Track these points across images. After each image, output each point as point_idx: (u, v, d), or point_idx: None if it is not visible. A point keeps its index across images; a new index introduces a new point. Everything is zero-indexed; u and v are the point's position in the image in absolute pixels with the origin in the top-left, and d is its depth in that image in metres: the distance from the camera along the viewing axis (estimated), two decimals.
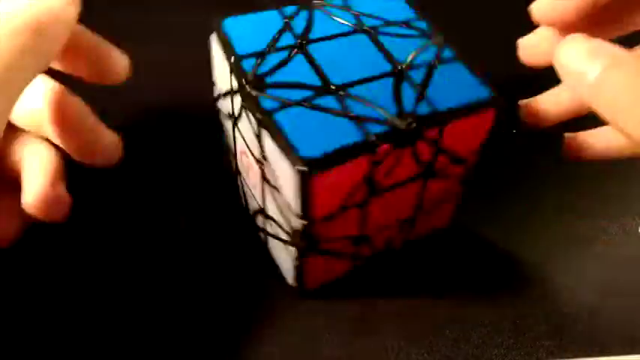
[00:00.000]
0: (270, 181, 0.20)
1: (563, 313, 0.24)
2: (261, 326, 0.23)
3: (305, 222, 0.18)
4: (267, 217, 0.23)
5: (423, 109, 0.18)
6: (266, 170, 0.20)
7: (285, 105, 0.18)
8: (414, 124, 0.18)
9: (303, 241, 0.20)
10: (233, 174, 0.25)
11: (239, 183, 0.25)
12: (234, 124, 0.21)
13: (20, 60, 0.17)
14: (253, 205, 0.24)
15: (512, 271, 0.25)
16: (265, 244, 0.24)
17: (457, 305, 0.24)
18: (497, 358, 0.22)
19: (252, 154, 0.21)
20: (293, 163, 0.17)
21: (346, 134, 0.17)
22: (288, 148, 0.17)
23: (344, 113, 0.18)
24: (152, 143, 0.28)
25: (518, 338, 0.23)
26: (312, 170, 0.16)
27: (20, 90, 0.17)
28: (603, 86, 0.15)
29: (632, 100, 0.15)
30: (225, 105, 0.22)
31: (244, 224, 0.25)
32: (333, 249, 0.21)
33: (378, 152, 0.18)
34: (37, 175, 0.19)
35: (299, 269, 0.21)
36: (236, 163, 0.24)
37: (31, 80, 0.17)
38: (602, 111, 0.16)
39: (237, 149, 0.23)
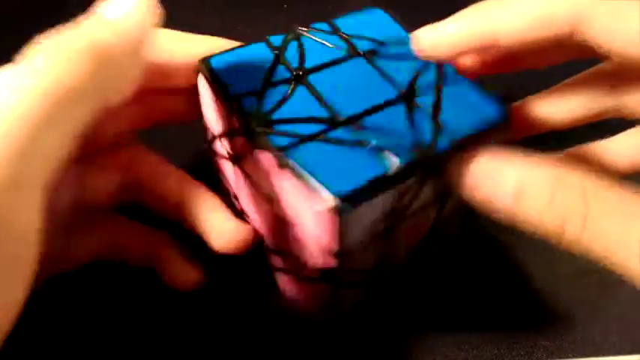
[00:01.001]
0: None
1: (563, 313, 0.24)
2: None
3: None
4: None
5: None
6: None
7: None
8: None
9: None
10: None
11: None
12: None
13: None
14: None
15: (512, 271, 0.25)
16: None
17: (457, 306, 0.24)
18: (498, 358, 0.22)
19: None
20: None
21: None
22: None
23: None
24: None
25: (518, 338, 0.23)
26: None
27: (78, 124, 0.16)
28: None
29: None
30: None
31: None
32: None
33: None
34: (224, 218, 0.21)
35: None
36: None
37: (90, 115, 0.16)
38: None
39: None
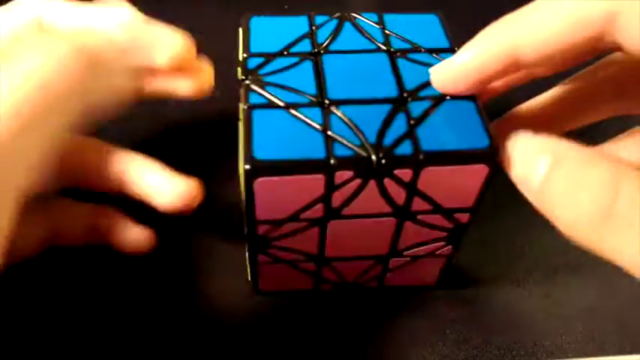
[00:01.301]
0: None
1: (563, 313, 0.24)
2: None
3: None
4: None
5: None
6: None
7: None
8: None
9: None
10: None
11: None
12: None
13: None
14: None
15: (512, 270, 0.25)
16: None
17: (457, 306, 0.24)
18: (498, 358, 0.22)
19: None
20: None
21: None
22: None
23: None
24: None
25: (519, 338, 0.23)
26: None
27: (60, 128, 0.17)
28: (547, 192, 0.15)
29: (573, 205, 0.14)
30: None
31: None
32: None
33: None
34: (163, 176, 0.20)
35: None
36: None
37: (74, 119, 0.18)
38: (548, 216, 0.15)
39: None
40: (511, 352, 0.22)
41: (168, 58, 0.20)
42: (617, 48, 0.16)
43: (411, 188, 0.18)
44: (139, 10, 0.21)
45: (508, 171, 0.16)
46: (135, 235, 0.22)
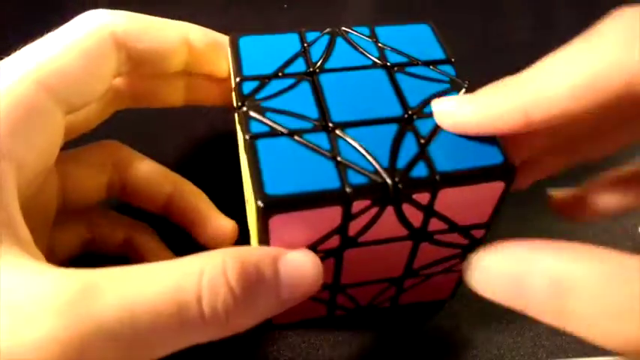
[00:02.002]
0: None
1: None
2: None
3: None
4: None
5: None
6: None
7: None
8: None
9: None
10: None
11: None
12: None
13: None
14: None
15: None
16: None
17: (457, 306, 0.23)
18: (498, 359, 0.22)
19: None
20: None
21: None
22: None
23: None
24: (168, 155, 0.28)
25: (518, 338, 0.23)
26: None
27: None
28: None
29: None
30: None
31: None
32: None
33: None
34: (211, 214, 0.22)
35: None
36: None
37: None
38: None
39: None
40: (511, 352, 0.22)
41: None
42: None
43: (429, 210, 0.17)
44: (139, 10, 0.21)
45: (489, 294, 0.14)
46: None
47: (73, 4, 0.34)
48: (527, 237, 0.24)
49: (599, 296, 0.12)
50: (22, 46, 0.18)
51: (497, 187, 0.17)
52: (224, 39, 0.22)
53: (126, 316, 0.14)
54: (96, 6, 0.20)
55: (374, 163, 0.16)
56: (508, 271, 0.13)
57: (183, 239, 0.23)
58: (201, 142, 0.29)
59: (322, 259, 0.18)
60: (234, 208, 0.23)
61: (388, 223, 0.17)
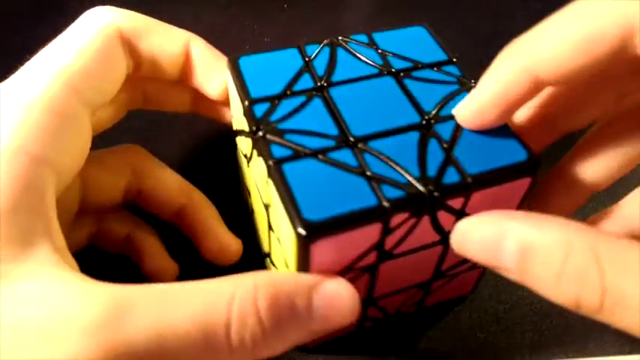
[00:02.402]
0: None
1: (563, 313, 0.23)
2: None
3: None
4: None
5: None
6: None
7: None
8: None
9: None
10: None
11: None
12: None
13: None
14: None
15: None
16: None
17: (457, 306, 0.23)
18: (498, 359, 0.22)
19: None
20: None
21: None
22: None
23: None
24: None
25: (519, 338, 0.23)
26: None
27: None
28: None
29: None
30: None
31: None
32: None
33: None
34: (225, 231, 0.23)
35: None
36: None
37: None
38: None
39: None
40: (511, 352, 0.22)
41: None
42: None
43: (461, 214, 0.17)
44: (139, 11, 0.21)
45: (472, 257, 0.16)
46: (157, 264, 0.22)
47: (74, 3, 0.33)
48: None
49: (555, 262, 0.14)
50: (22, 46, 0.18)
51: (524, 181, 0.17)
52: (222, 59, 0.22)
53: (153, 340, 0.14)
54: (96, 5, 0.20)
55: (405, 174, 0.16)
56: (486, 235, 0.15)
57: (187, 248, 0.23)
58: (202, 139, 0.29)
59: (358, 276, 0.18)
60: (233, 207, 0.24)
61: (422, 231, 0.17)
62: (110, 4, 0.20)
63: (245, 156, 0.20)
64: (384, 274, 0.18)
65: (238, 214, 0.24)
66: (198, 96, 0.23)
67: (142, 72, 0.21)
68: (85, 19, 0.19)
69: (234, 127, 0.22)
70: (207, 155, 0.28)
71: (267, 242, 0.21)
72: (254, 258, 0.23)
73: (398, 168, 0.16)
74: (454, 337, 0.23)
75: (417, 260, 0.19)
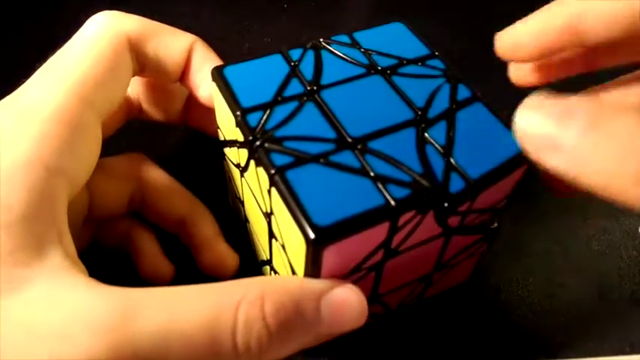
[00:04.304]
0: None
1: (563, 313, 0.23)
2: None
3: None
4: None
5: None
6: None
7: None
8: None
9: None
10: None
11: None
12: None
13: None
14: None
15: (512, 271, 0.25)
16: None
17: (457, 306, 0.24)
18: (498, 358, 0.22)
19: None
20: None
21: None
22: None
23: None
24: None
25: (519, 339, 0.23)
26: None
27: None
28: (583, 153, 0.13)
29: (620, 160, 0.12)
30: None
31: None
32: None
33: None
34: (224, 245, 0.23)
35: None
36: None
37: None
38: (586, 182, 0.13)
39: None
40: (511, 352, 0.22)
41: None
42: None
43: (467, 212, 0.17)
44: (140, 11, 0.21)
45: (524, 140, 0.14)
46: (153, 264, 0.22)
47: (74, 2, 0.32)
48: (528, 236, 0.26)
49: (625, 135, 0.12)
50: (22, 46, 0.17)
51: (521, 169, 0.18)
52: (218, 63, 0.21)
53: (160, 343, 0.14)
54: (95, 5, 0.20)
55: (408, 171, 0.16)
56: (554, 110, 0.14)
57: (186, 250, 0.23)
58: (192, 147, 0.29)
59: (364, 275, 0.18)
60: (224, 215, 0.24)
61: (427, 226, 0.17)
62: (112, 5, 0.20)
63: (237, 166, 0.20)
64: (389, 271, 0.19)
65: (230, 221, 0.24)
66: (188, 105, 0.23)
67: (145, 74, 0.21)
68: (93, 25, 0.20)
69: (222, 138, 0.21)
70: (198, 163, 0.28)
71: (266, 250, 0.21)
72: (248, 266, 0.23)
73: (401, 166, 0.17)
74: (454, 334, 0.23)
75: (420, 254, 0.19)
